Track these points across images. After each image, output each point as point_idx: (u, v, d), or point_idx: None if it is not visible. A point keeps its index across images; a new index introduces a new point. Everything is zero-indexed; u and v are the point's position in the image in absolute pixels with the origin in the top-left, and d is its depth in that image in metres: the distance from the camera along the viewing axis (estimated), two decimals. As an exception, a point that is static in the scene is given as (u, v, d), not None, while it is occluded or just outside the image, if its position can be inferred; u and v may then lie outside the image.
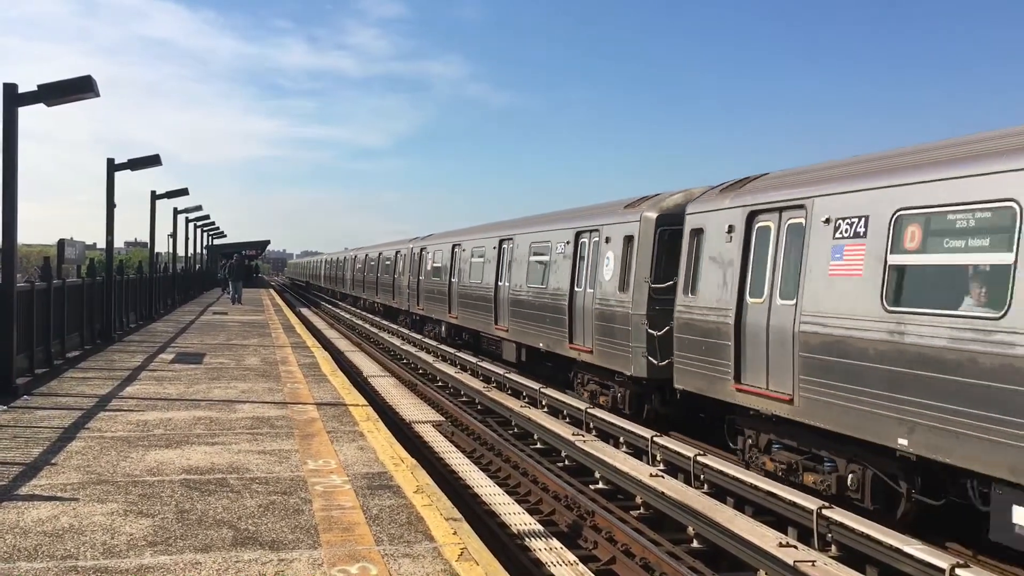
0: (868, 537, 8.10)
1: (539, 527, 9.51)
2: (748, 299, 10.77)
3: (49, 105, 12.83)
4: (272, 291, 63.37)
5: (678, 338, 12.38)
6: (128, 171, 21.62)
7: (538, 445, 14.48)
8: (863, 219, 8.87)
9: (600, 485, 11.80)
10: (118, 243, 24.29)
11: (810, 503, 8.89)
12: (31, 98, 12.49)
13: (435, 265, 28.33)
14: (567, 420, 15.96)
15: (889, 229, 8.51)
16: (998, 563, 8.40)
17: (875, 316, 8.47)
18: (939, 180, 7.99)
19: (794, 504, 9.16)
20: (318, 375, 15.56)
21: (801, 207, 10.00)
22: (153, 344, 20.52)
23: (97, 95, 13.02)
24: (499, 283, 20.89)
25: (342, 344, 30.74)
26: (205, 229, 55.38)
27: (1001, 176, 7.27)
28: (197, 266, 54.72)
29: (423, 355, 25.72)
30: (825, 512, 8.64)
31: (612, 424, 13.79)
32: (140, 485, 7.74)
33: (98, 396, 12.61)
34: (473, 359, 22.78)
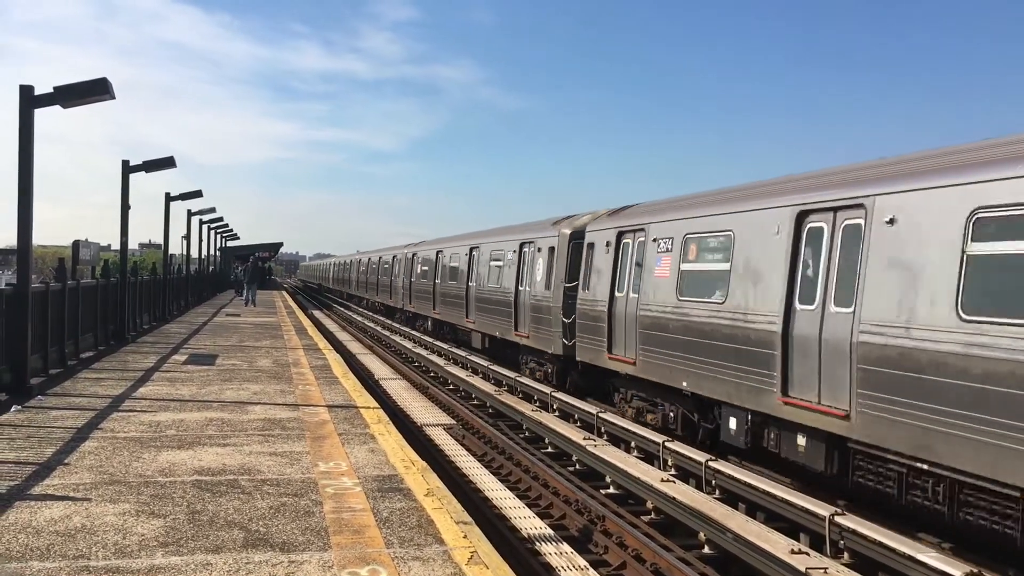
0: (881, 545, 8.06)
1: (550, 531, 9.50)
2: (616, 294, 15.15)
3: (65, 107, 12.92)
4: (284, 293, 63.56)
5: (578, 323, 16.58)
6: (143, 173, 21.75)
7: (549, 449, 14.46)
8: (670, 239, 13.40)
9: (611, 490, 11.78)
10: (132, 244, 24.45)
11: (823, 510, 8.93)
12: (47, 100, 12.58)
13: (423, 268, 32.52)
14: (578, 424, 15.94)
15: (681, 246, 12.97)
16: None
17: (673, 304, 12.88)
18: (702, 216, 12.61)
19: (806, 511, 9.14)
20: (330, 377, 15.59)
21: (643, 230, 14.55)
22: (166, 345, 20.62)
23: (112, 97, 13.10)
24: (469, 283, 24.70)
25: (354, 347, 30.79)
26: (219, 231, 55.63)
27: (726, 216, 11.87)
28: (211, 268, 54.95)
29: (434, 358, 25.74)
30: (838, 519, 8.63)
31: (623, 429, 13.77)
32: (152, 486, 7.76)
33: (111, 397, 12.67)
34: (484, 363, 22.91)
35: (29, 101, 12.40)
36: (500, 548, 6.80)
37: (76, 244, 21.64)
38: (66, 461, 8.60)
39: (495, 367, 22.48)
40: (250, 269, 40.53)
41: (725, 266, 11.63)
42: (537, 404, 18.12)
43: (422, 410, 17.47)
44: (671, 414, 13.35)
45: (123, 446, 9.32)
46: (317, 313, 50.65)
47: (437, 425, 15.87)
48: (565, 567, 8.24)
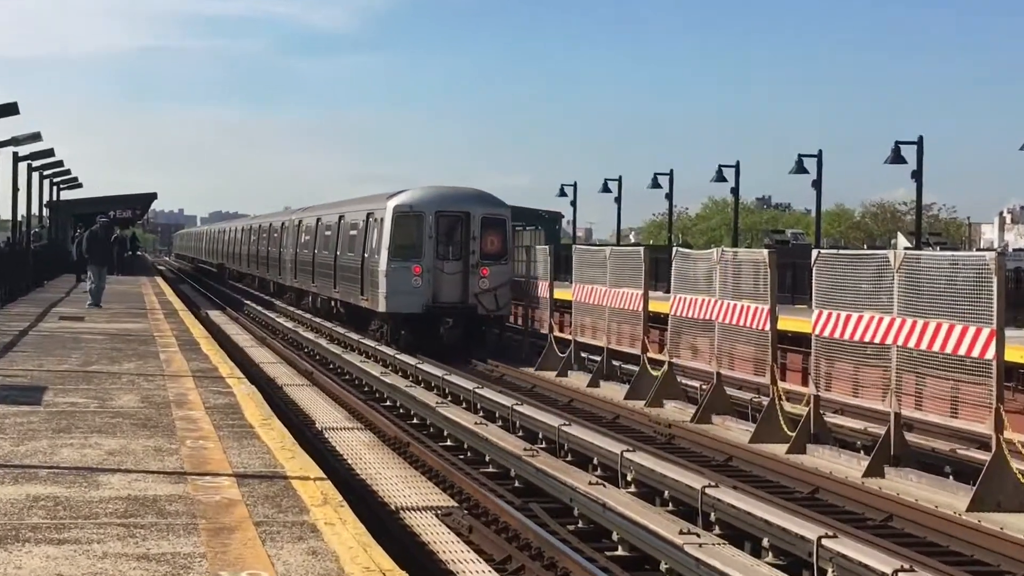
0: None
1: None
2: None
3: None
4: (160, 280, 63.99)
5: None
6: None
7: (620, 551, 14.59)
8: (355, 222, 45.29)
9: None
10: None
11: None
12: None
13: (306, 238, 54.81)
14: (669, 507, 15.96)
15: (355, 225, 45.80)
16: None
17: (356, 259, 42.65)
18: (351, 210, 46.92)
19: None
20: (239, 425, 15.63)
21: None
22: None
23: None
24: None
25: (279, 371, 31.01)
26: (48, 175, 56.06)
27: (362, 210, 43.86)
28: (35, 232, 55.23)
29: (419, 394, 25.80)
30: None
31: (748, 513, 13.86)
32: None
33: None
34: (508, 402, 23.15)
35: None
36: None
37: None
38: None
39: (526, 410, 22.47)
40: (94, 239, 40.02)
41: (360, 233, 42.04)
42: (598, 473, 18.04)
43: (399, 483, 17.49)
44: (320, 304, 50.60)
45: None
46: (216, 314, 50.93)
47: (425, 509, 15.88)
48: None
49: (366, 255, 40.08)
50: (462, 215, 37.86)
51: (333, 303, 47.57)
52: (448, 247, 37.67)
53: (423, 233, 37.23)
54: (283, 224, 62.84)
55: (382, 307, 37.33)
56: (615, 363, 29.97)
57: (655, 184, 62.68)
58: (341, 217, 46.66)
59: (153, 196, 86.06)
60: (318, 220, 51.86)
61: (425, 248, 37.01)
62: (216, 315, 50.90)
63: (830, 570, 12.74)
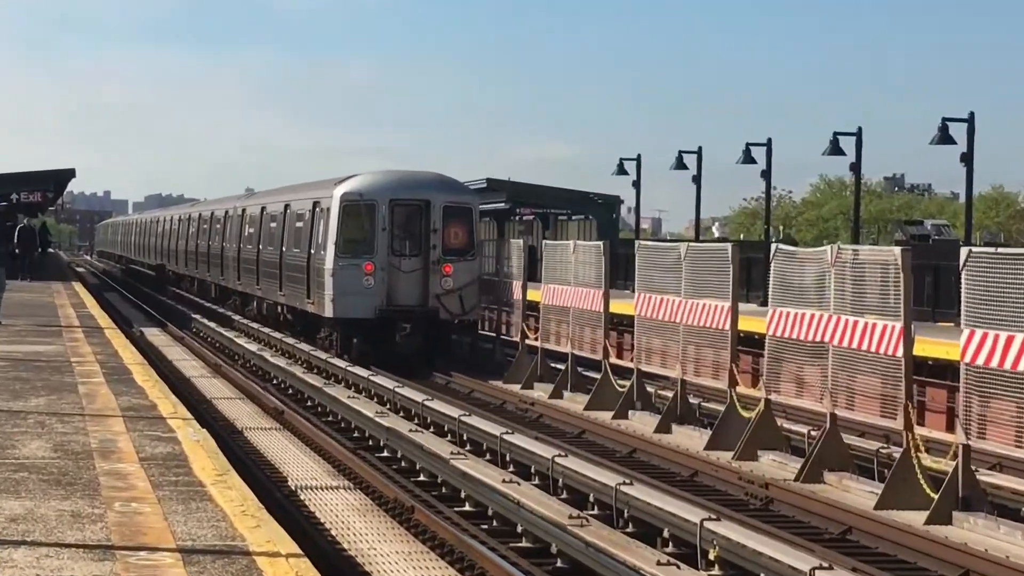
0: None
1: None
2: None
3: None
4: (78, 286, 64.19)
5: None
6: None
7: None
8: (304, 212, 51.69)
9: None
10: None
11: None
12: None
13: (250, 231, 59.84)
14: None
15: (284, 214, 55.31)
16: None
17: (302, 255, 48.35)
18: (302, 196, 51.81)
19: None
20: (186, 483, 15.63)
21: (288, 205, 54.82)
22: None
23: None
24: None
25: (239, 410, 31.25)
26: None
27: (308, 198, 49.07)
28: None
29: (427, 441, 25.77)
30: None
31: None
32: None
33: None
34: (544, 454, 23.43)
35: None
36: None
37: None
38: None
39: (572, 463, 22.45)
40: None
41: (306, 226, 46.62)
42: (669, 546, 18.01)
43: (400, 560, 17.50)
44: (266, 311, 54.50)
45: None
46: (154, 333, 51.08)
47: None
48: None
49: (312, 251, 43.90)
50: (421, 204, 41.30)
51: (280, 308, 51.64)
52: (405, 241, 41.30)
53: (375, 225, 40.80)
54: (226, 213, 64.63)
55: (328, 311, 41.26)
56: (692, 401, 29.65)
57: (747, 159, 62.37)
58: (287, 206, 50.58)
59: (70, 174, 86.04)
60: (262, 209, 54.55)
61: (378, 242, 40.55)
62: (154, 334, 51.23)
63: None
